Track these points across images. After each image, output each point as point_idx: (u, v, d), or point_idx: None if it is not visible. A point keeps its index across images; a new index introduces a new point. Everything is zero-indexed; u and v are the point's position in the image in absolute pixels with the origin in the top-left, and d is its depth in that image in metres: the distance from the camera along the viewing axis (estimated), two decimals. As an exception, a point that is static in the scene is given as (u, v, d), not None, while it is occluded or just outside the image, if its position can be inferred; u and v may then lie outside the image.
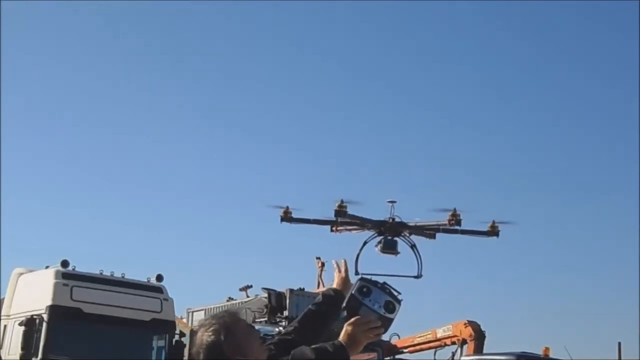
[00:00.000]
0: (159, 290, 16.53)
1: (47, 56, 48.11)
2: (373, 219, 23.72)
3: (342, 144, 48.81)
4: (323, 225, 23.85)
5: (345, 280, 3.60)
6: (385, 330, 3.18)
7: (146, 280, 16.72)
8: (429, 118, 49.04)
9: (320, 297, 3.62)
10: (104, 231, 44.28)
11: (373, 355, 19.67)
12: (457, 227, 23.31)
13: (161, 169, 48.30)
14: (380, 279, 3.23)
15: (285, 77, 50.94)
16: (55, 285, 15.36)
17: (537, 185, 46.94)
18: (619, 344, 21.14)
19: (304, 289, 23.95)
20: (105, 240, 42.59)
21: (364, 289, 3.15)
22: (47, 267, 16.26)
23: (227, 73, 49.63)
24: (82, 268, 16.12)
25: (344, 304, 3.21)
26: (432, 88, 49.94)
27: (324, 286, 26.05)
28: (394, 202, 23.74)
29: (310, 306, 3.57)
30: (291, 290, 22.68)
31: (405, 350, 23.08)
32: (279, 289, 21.59)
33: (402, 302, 3.19)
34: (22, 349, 14.82)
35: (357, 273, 23.88)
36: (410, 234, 23.84)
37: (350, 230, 24.04)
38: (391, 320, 3.17)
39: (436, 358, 22.17)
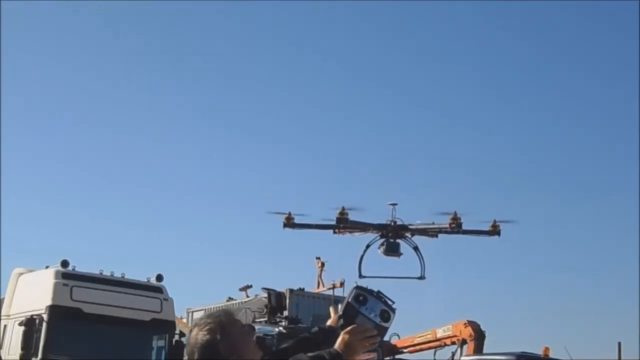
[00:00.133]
0: (159, 290, 16.54)
1: (47, 56, 48.19)
2: (375, 223, 23.80)
3: (342, 144, 48.88)
4: (326, 230, 23.96)
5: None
6: (381, 339, 3.18)
7: (146, 280, 16.72)
8: (429, 118, 49.11)
9: (316, 328, 3.59)
10: (104, 231, 44.34)
11: (373, 355, 19.65)
12: (458, 230, 23.41)
13: (161, 169, 48.38)
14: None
15: (285, 77, 50.99)
16: (55, 285, 15.37)
17: (537, 185, 46.98)
18: (619, 344, 21.13)
19: (304, 289, 24.00)
20: (105, 240, 42.64)
21: (360, 298, 3.14)
22: (47, 267, 16.27)
23: (227, 73, 49.69)
24: (82, 268, 16.15)
25: (340, 312, 3.20)
26: (432, 88, 50.00)
27: (324, 286, 26.09)
28: (395, 204, 23.83)
29: (305, 333, 3.54)
30: (291, 290, 22.71)
31: (405, 350, 23.07)
32: (279, 289, 21.59)
33: (396, 311, 3.19)
34: (22, 349, 14.82)
35: (360, 276, 24.02)
36: (413, 235, 23.92)
37: (352, 232, 24.14)
38: (386, 329, 3.17)
39: (436, 358, 22.17)
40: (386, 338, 20.37)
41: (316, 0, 46.85)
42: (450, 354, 21.85)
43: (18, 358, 14.92)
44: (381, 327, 3.14)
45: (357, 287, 3.19)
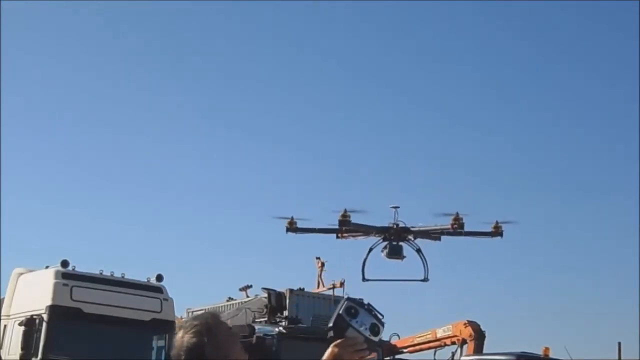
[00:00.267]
0: (159, 290, 16.54)
1: (47, 56, 48.25)
2: (377, 225, 23.83)
3: (342, 144, 48.92)
4: (328, 233, 24.00)
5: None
6: (370, 353, 3.18)
7: (146, 280, 16.71)
8: (429, 118, 49.15)
9: None
10: (104, 231, 44.41)
11: (373, 355, 19.67)
12: (460, 231, 23.42)
13: (161, 169, 48.43)
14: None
15: (285, 77, 51.03)
16: (55, 285, 15.36)
17: (537, 185, 47.03)
18: (619, 344, 21.19)
19: (304, 289, 23.97)
20: (105, 240, 42.71)
21: (352, 310, 3.11)
22: (47, 267, 16.26)
23: (227, 73, 49.74)
24: (82, 268, 16.13)
25: (330, 324, 3.19)
26: (432, 88, 50.03)
27: (324, 286, 26.09)
28: (397, 207, 23.87)
29: None
30: (291, 290, 22.69)
31: (405, 350, 23.12)
32: (279, 289, 21.58)
33: (384, 325, 3.19)
34: (22, 349, 14.82)
35: (364, 279, 24.06)
36: (415, 237, 23.94)
37: (355, 236, 24.17)
38: (375, 343, 3.17)
39: (436, 358, 22.22)
40: (386, 338, 20.42)
41: (316, 0, 46.92)
42: (450, 354, 21.91)
43: (18, 358, 14.91)
44: (370, 341, 3.12)
45: (348, 299, 3.16)
